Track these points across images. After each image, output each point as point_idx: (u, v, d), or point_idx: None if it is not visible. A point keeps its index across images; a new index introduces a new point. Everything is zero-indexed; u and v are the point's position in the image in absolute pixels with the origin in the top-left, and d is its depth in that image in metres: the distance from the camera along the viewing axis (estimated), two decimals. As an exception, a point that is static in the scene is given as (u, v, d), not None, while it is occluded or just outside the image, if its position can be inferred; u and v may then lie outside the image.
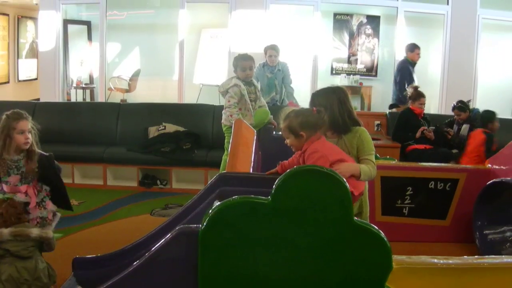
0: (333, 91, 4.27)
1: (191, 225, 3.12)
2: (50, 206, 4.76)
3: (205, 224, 2.91)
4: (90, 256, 4.50)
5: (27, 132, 4.49)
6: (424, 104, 8.32)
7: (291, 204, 2.87)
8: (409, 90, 8.41)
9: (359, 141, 4.15)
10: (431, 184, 5.99)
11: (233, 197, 2.97)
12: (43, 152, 4.66)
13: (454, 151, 8.06)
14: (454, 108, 8.34)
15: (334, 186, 2.87)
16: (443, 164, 6.38)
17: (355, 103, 12.04)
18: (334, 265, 2.94)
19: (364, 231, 2.91)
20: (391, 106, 9.74)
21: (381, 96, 12.33)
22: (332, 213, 2.87)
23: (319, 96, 4.26)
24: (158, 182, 8.15)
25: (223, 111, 6.67)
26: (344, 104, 4.21)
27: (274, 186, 2.88)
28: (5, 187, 4.55)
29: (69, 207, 4.90)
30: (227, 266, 2.95)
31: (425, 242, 5.94)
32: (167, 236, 3.15)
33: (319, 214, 2.87)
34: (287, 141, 3.98)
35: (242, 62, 6.52)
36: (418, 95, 8.23)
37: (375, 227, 2.94)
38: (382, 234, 2.92)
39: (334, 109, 4.14)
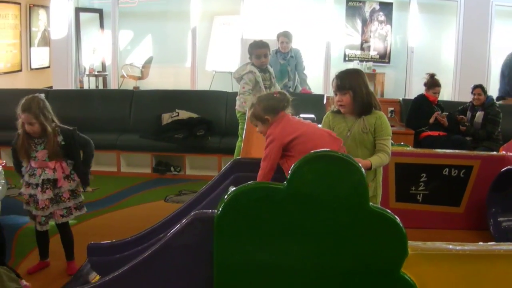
0: (358, 73, 4.29)
1: (206, 211, 3.12)
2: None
3: (220, 209, 2.91)
4: (105, 242, 4.52)
5: (27, 124, 4.59)
6: (438, 93, 8.29)
7: (306, 189, 2.86)
8: (425, 77, 8.36)
9: (379, 123, 4.17)
10: (445, 171, 5.96)
11: (248, 182, 2.96)
12: (65, 127, 4.81)
13: (468, 138, 8.02)
14: (475, 87, 8.25)
15: (350, 171, 2.86)
16: (457, 151, 6.34)
17: (367, 90, 12.01)
18: (349, 251, 2.94)
19: (380, 217, 2.90)
20: (498, 99, 9.70)
21: (393, 83, 12.27)
22: (347, 199, 2.86)
23: (347, 77, 4.22)
24: (172, 168, 8.16)
25: (237, 97, 6.66)
26: (368, 86, 4.26)
27: (289, 172, 2.87)
28: (33, 163, 4.76)
29: (85, 181, 4.95)
30: (242, 252, 2.95)
31: (439, 229, 5.92)
32: (182, 222, 3.16)
33: (335, 200, 2.86)
34: (257, 129, 4.00)
35: (257, 50, 6.49)
36: (434, 84, 8.19)
37: (391, 212, 2.93)
38: (398, 220, 2.91)
39: (362, 90, 4.17)
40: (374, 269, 2.96)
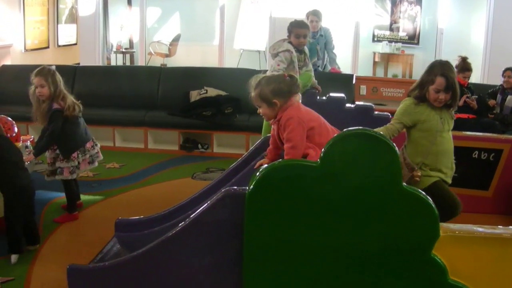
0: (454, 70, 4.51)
1: (237, 187, 3.11)
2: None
3: (252, 186, 2.90)
4: (133, 218, 4.55)
5: (40, 86, 5.20)
6: (468, 77, 8.18)
7: (339, 168, 2.84)
8: (457, 60, 8.26)
9: None
10: (475, 154, 5.90)
11: (280, 160, 2.95)
12: (57, 106, 5.28)
13: (497, 122, 7.94)
14: (506, 70, 8.16)
15: (383, 150, 2.83)
16: (487, 134, 6.27)
17: (396, 71, 11.95)
18: (381, 231, 2.92)
19: (412, 197, 2.87)
20: None
21: (422, 64, 12.13)
22: (380, 178, 2.84)
23: (453, 77, 4.37)
24: (199, 146, 8.15)
25: (267, 73, 6.63)
26: None
27: (323, 150, 2.85)
28: None
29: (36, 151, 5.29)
30: (272, 229, 2.94)
31: (466, 213, 5.85)
32: (213, 198, 3.16)
33: (368, 179, 2.84)
34: (259, 110, 3.88)
35: (297, 29, 6.41)
36: (465, 68, 8.08)
37: (423, 193, 2.90)
38: (430, 200, 2.88)
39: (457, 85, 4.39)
40: (405, 250, 2.93)
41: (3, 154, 4.56)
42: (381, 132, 3.97)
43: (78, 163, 5.41)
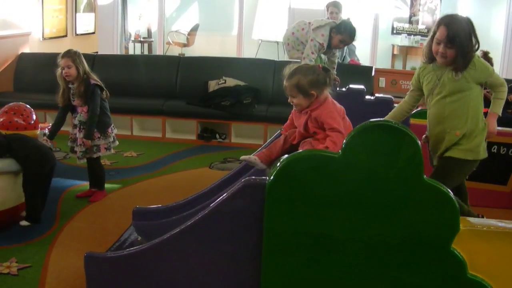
0: (469, 24, 4.10)
1: (257, 177, 3.10)
2: None
3: (273, 176, 2.89)
4: (150, 207, 4.56)
5: (67, 67, 5.40)
6: None
7: (361, 159, 2.83)
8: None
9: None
10: (494, 149, 5.85)
11: (302, 150, 2.94)
12: (91, 81, 5.51)
13: (517, 117, 7.87)
14: None
15: (406, 142, 2.81)
16: (507, 129, 6.22)
17: (415, 64, 11.88)
18: (401, 223, 2.90)
19: (434, 190, 2.85)
20: None
21: (441, 57, 12.10)
22: (402, 170, 2.82)
23: (458, 29, 4.03)
24: (217, 136, 8.15)
25: (292, 54, 6.62)
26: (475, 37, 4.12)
27: (344, 141, 2.84)
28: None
29: (87, 134, 5.48)
30: (293, 220, 2.93)
31: (484, 207, 5.83)
32: (232, 188, 3.15)
33: (389, 171, 2.82)
34: (294, 100, 3.78)
35: (347, 38, 6.44)
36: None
37: (445, 186, 2.88)
38: (451, 194, 2.87)
39: (470, 47, 4.10)
40: (425, 243, 2.91)
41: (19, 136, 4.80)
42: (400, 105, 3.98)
43: (113, 138, 5.69)
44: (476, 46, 4.09)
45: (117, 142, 5.79)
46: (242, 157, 3.98)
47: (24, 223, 4.66)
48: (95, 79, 5.53)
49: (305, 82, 3.70)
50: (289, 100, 3.83)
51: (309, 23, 6.52)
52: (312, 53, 6.28)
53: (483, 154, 4.35)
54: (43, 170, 4.81)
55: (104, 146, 5.59)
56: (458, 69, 4.10)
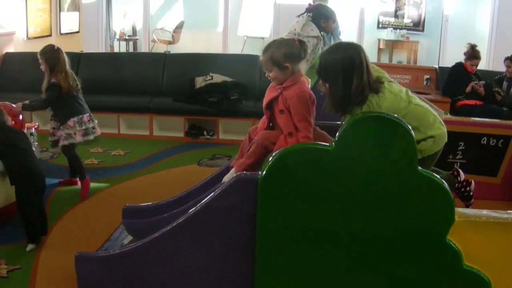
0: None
1: (248, 172, 3.08)
2: None
3: (265, 171, 2.86)
4: (140, 204, 4.52)
5: (41, 64, 5.66)
6: (476, 65, 8.14)
7: (354, 152, 2.81)
8: (466, 47, 8.21)
9: None
10: (484, 140, 5.85)
11: (294, 144, 2.92)
12: (55, 81, 5.63)
13: (505, 108, 7.89)
14: (506, 59, 8.11)
15: (399, 133, 2.80)
16: (496, 120, 6.23)
17: (401, 58, 11.90)
18: (396, 216, 2.90)
19: (428, 182, 2.84)
20: None
21: (426, 51, 12.16)
22: (397, 162, 2.81)
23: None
24: (205, 132, 8.10)
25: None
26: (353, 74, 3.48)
27: (337, 133, 2.81)
28: None
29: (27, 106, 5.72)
30: (286, 215, 2.92)
31: (476, 199, 5.83)
32: (224, 183, 3.12)
33: (384, 163, 2.81)
34: (270, 74, 3.73)
35: (332, 16, 6.51)
36: (473, 56, 8.05)
37: (439, 177, 2.87)
38: (446, 185, 2.86)
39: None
40: (420, 235, 2.92)
41: (12, 143, 4.57)
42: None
43: (74, 133, 5.68)
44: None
45: (98, 132, 5.95)
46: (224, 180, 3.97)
47: (29, 247, 4.55)
48: (59, 77, 5.62)
49: (279, 54, 3.67)
50: (266, 75, 3.80)
51: (292, 30, 6.50)
52: (312, 50, 6.31)
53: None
54: (33, 191, 4.67)
55: (64, 136, 5.70)
56: None
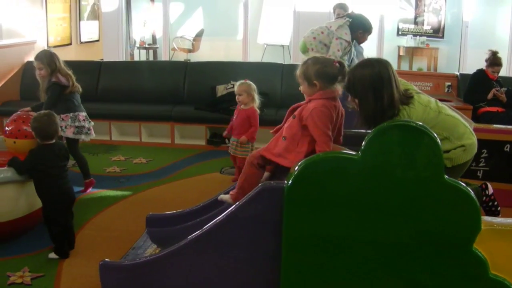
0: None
1: (274, 181, 3.08)
2: None
3: (291, 180, 2.86)
4: (164, 213, 4.53)
5: (39, 69, 5.91)
6: (497, 72, 8.09)
7: (380, 160, 2.81)
8: (487, 53, 8.17)
9: None
10: (507, 147, 5.81)
11: (320, 152, 2.92)
12: (56, 81, 5.88)
13: (528, 115, 7.85)
14: None
15: (425, 142, 2.79)
16: (520, 128, 6.20)
17: (421, 65, 11.85)
18: (422, 224, 2.88)
19: (454, 190, 2.83)
20: None
21: (446, 58, 12.10)
22: (423, 170, 2.80)
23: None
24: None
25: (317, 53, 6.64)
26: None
27: (364, 142, 2.81)
28: None
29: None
30: (312, 224, 2.91)
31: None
32: (250, 192, 3.12)
33: (410, 171, 2.80)
34: (301, 87, 3.74)
35: (367, 27, 6.74)
36: (494, 63, 8.00)
37: (465, 186, 2.85)
38: (472, 193, 2.84)
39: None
40: (446, 244, 2.90)
41: (44, 168, 4.56)
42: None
43: (66, 127, 5.91)
44: None
45: (93, 135, 6.17)
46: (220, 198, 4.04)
47: (51, 255, 4.57)
48: (59, 77, 5.88)
49: (312, 71, 3.65)
50: (299, 88, 3.79)
51: (326, 26, 6.59)
52: (338, 50, 6.38)
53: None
54: (62, 212, 4.67)
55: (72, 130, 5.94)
56: None
